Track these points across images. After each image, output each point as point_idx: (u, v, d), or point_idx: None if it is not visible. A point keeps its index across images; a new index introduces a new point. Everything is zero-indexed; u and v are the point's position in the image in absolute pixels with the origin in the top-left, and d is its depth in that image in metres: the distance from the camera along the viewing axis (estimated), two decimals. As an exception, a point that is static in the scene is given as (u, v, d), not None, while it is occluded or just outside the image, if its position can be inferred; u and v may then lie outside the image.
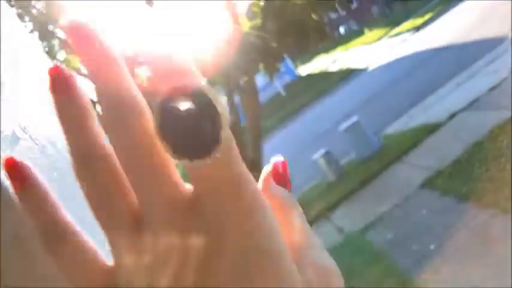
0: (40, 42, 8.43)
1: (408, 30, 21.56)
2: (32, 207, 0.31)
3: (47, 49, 8.46)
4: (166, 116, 0.25)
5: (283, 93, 27.59)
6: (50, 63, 0.30)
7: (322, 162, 8.42)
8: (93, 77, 0.28)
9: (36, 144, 0.48)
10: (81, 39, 0.28)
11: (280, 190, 0.33)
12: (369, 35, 28.32)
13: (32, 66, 0.65)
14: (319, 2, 9.22)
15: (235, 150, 0.26)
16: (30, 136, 0.47)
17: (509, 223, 4.41)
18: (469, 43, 12.07)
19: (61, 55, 9.28)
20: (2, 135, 0.44)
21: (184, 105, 0.24)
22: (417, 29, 20.61)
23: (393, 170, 7.53)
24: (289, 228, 0.32)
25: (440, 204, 5.59)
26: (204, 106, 0.24)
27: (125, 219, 0.28)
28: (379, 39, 25.28)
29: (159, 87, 0.25)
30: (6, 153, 0.31)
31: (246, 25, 8.81)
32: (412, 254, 4.99)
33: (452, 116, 7.83)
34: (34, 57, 0.68)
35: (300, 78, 29.69)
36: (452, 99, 8.68)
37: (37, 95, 0.60)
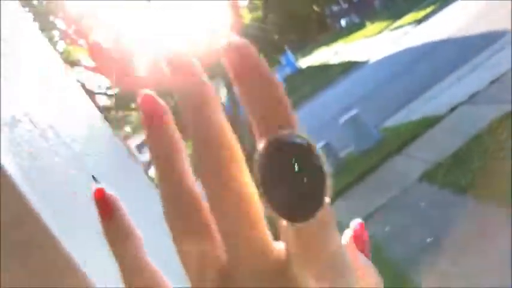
0: (40, 32, 8.41)
1: (410, 23, 21.50)
2: (114, 239, 0.31)
3: (47, 40, 8.46)
4: (268, 170, 0.23)
5: (283, 85, 27.50)
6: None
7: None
8: (184, 103, 0.26)
9: (36, 127, 0.48)
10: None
11: (362, 259, 0.33)
12: (370, 27, 28.24)
13: (35, 54, 0.66)
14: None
15: (334, 218, 0.25)
16: (30, 119, 0.48)
17: (508, 216, 4.42)
18: (470, 37, 12.04)
19: (60, 46, 9.27)
20: (1, 118, 0.44)
21: (289, 160, 0.23)
22: (419, 22, 20.55)
23: (392, 162, 7.53)
24: None
25: (439, 197, 5.60)
26: (311, 165, 0.23)
27: (210, 272, 0.27)
28: (380, 32, 25.21)
29: (262, 129, 0.24)
30: (97, 185, 0.31)
31: (247, 17, 8.80)
32: (410, 247, 5.01)
33: (452, 109, 7.82)
34: (37, 45, 0.69)
35: (301, 70, 29.63)
36: (453, 92, 8.67)
37: (40, 82, 0.60)
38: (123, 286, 0.31)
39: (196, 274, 0.27)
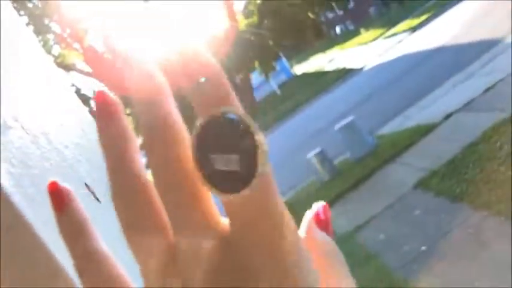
0: (35, 36, 8.39)
1: (404, 31, 21.62)
2: (68, 231, 0.32)
3: (42, 43, 8.42)
4: (204, 146, 0.24)
5: (278, 92, 27.62)
6: (95, 87, 0.30)
7: (315, 161, 8.42)
8: (136, 98, 0.29)
9: (28, 134, 0.47)
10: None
11: (322, 236, 0.33)
12: (365, 35, 28.38)
13: (27, 58, 0.65)
14: (316, 1, 9.23)
15: (273, 186, 0.25)
16: (21, 126, 0.46)
17: (502, 225, 4.42)
18: (465, 44, 12.11)
19: (56, 50, 9.25)
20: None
21: (223, 135, 0.24)
22: (413, 29, 20.67)
23: (387, 170, 7.54)
24: (328, 274, 0.32)
25: (434, 205, 5.60)
26: (243, 137, 0.24)
27: (158, 247, 0.28)
28: (375, 39, 25.33)
29: (198, 108, 0.26)
30: (52, 179, 0.31)
31: (242, 23, 8.81)
32: (404, 255, 5.00)
33: (447, 116, 7.85)
34: (29, 49, 0.68)
35: (296, 77, 29.72)
36: (448, 100, 8.70)
37: (31, 86, 0.59)
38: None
39: (145, 261, 0.28)
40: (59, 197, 0.32)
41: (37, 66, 0.66)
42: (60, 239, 0.44)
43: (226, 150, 0.24)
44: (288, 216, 0.26)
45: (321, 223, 0.33)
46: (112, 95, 0.30)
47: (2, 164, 0.42)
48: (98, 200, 0.55)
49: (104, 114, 0.30)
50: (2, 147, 0.42)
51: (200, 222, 0.26)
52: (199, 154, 0.24)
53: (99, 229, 0.55)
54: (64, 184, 0.32)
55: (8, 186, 0.41)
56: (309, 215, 0.34)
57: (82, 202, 0.54)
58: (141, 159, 0.29)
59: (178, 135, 0.27)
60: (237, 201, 0.25)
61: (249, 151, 0.24)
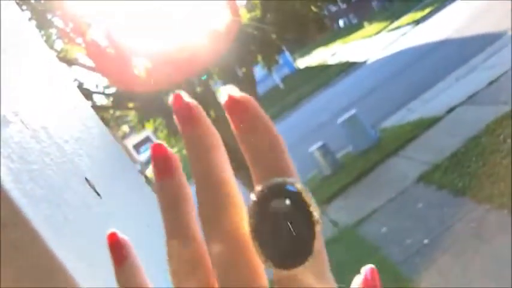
0: (37, 31, 8.38)
1: (408, 24, 21.52)
2: (126, 282, 0.33)
3: (44, 38, 8.41)
4: (262, 215, 0.24)
5: (281, 85, 27.57)
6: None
7: (318, 155, 8.42)
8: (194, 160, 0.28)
9: (27, 128, 0.47)
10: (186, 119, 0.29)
11: None
12: (369, 28, 28.26)
13: (27, 52, 0.64)
14: (318, -6, 9.19)
15: (326, 264, 0.26)
16: (21, 120, 0.46)
17: (504, 218, 4.42)
18: (468, 37, 12.05)
19: (58, 44, 9.24)
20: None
21: (282, 207, 0.24)
22: (416, 23, 20.57)
23: (390, 163, 7.53)
24: None
25: (436, 199, 5.60)
26: (302, 212, 0.24)
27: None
28: (378, 32, 25.23)
29: (258, 176, 0.26)
30: (112, 230, 0.33)
31: (245, 16, 8.79)
32: (406, 248, 5.00)
33: (450, 110, 7.83)
34: (30, 43, 0.68)
35: (298, 70, 29.64)
36: (451, 93, 8.68)
37: (31, 81, 0.59)
38: None
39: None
40: (118, 251, 0.33)
41: (37, 60, 0.66)
42: (60, 237, 0.44)
43: (284, 224, 0.23)
44: None
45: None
46: (170, 150, 0.30)
47: (1, 159, 0.41)
48: (98, 195, 0.55)
49: (162, 170, 0.29)
50: (1, 143, 0.42)
51: (247, 273, 0.26)
52: (256, 226, 0.24)
53: (100, 223, 0.55)
54: (122, 236, 0.33)
55: (7, 181, 0.40)
56: (357, 280, 0.33)
57: (83, 198, 0.54)
58: (196, 223, 0.29)
59: (235, 199, 0.27)
60: (288, 276, 0.25)
61: (307, 229, 0.24)
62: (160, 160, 0.29)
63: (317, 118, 14.15)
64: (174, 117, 0.29)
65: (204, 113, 0.29)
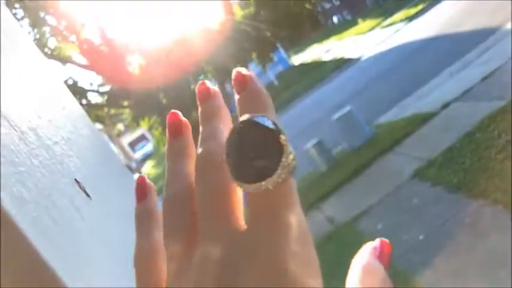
0: (31, 29, 8.34)
1: (401, 21, 21.55)
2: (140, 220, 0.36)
3: (37, 36, 8.37)
4: (234, 144, 0.28)
5: (275, 82, 27.57)
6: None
7: (313, 151, 8.42)
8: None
9: (16, 130, 0.46)
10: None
11: (376, 264, 0.35)
12: (362, 25, 28.29)
13: (15, 51, 0.63)
14: (312, -9, 9.19)
15: (294, 194, 0.29)
16: (9, 123, 0.46)
17: (499, 213, 4.44)
18: (462, 33, 12.08)
19: (52, 42, 9.21)
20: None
21: (253, 135, 0.27)
22: (410, 19, 20.60)
23: (385, 159, 7.54)
24: None
25: (431, 195, 5.61)
26: (271, 137, 0.27)
27: (183, 234, 0.31)
28: (372, 29, 25.26)
29: (239, 113, 0.32)
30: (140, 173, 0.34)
31: (239, 14, 8.78)
32: (402, 244, 5.02)
33: (444, 106, 7.84)
34: (18, 42, 0.67)
35: (293, 67, 29.64)
36: (445, 89, 8.69)
37: (19, 81, 0.58)
38: None
39: (168, 264, 0.31)
40: (141, 188, 0.37)
41: (25, 60, 0.65)
42: (47, 239, 0.43)
43: (255, 148, 0.27)
44: (303, 226, 0.29)
45: (380, 256, 0.36)
46: (183, 117, 0.38)
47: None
48: (88, 196, 0.55)
49: (174, 132, 0.37)
50: (-13, 145, 0.42)
51: (221, 230, 0.29)
52: (228, 151, 0.28)
53: (89, 225, 0.55)
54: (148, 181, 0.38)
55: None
56: (369, 245, 0.37)
57: (72, 199, 0.53)
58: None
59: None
60: (258, 193, 0.27)
61: (273, 147, 0.27)
62: (174, 124, 0.36)
63: (312, 115, 14.15)
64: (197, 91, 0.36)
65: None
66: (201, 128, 0.34)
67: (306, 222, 0.29)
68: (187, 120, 0.36)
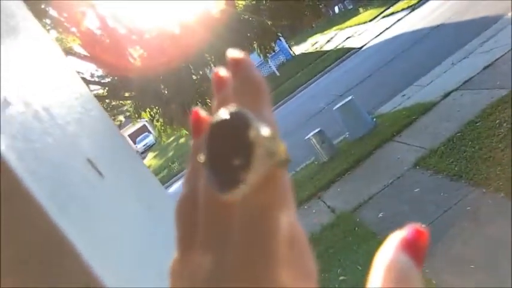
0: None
1: (403, 10, 21.44)
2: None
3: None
4: (213, 145, 0.26)
5: (277, 72, 27.50)
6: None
7: (315, 141, 8.43)
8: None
9: (29, 109, 0.48)
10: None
11: (403, 259, 0.29)
12: (364, 14, 28.15)
13: (28, 37, 0.65)
14: (314, -20, 9.15)
15: (279, 183, 0.27)
16: (23, 101, 0.47)
17: (500, 201, 4.45)
18: (464, 22, 12.03)
19: (53, 34, 9.19)
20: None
21: (229, 135, 0.25)
22: (412, 8, 20.50)
23: (386, 149, 7.55)
24: None
25: (433, 183, 5.63)
26: (244, 137, 0.25)
27: (182, 240, 0.31)
28: (374, 18, 25.14)
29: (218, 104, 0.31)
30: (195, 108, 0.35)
31: (240, 3, 8.75)
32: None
33: (446, 95, 7.84)
34: (30, 28, 0.68)
35: (295, 57, 29.56)
36: (447, 78, 8.68)
37: (32, 64, 0.59)
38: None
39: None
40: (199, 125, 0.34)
41: (37, 45, 0.66)
42: (64, 211, 0.45)
43: (224, 151, 0.25)
44: (295, 226, 0.27)
45: (412, 249, 0.30)
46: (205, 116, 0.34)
47: (4, 138, 0.42)
48: (101, 174, 0.56)
49: (198, 128, 0.33)
50: (4, 122, 0.43)
51: (214, 239, 0.28)
52: (205, 158, 0.26)
53: (103, 202, 0.56)
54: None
55: (11, 159, 0.41)
56: (396, 236, 0.30)
57: (85, 177, 0.55)
58: None
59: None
60: (242, 198, 0.26)
61: (243, 146, 0.24)
62: (196, 123, 0.33)
63: (314, 105, 14.14)
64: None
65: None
66: None
67: (297, 220, 0.27)
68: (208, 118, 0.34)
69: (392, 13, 22.63)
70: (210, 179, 0.25)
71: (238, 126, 0.25)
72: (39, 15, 8.39)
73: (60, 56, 0.72)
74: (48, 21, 8.77)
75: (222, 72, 0.34)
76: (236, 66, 0.33)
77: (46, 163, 0.46)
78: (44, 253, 0.42)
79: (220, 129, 0.25)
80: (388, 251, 0.30)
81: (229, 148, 0.24)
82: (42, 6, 8.29)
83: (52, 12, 8.62)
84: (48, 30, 8.92)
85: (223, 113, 0.26)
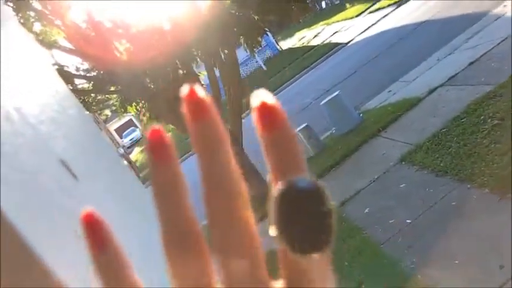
0: (15, 13, 8.21)
1: (389, 6, 21.51)
2: (107, 272, 0.29)
3: (22, 21, 8.24)
4: (286, 205, 0.26)
5: (264, 67, 27.49)
6: (150, 128, 0.28)
7: (301, 136, 8.43)
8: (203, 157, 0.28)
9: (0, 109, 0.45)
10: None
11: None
12: (351, 9, 28.22)
13: (1, 33, 0.62)
14: (301, -25, 9.12)
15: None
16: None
17: (485, 196, 4.48)
18: (449, 18, 12.09)
19: (37, 27, 9.06)
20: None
21: (301, 201, 0.26)
22: (398, 4, 20.57)
23: (372, 144, 7.58)
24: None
25: (419, 179, 5.65)
26: (319, 204, 0.26)
27: None
28: (360, 14, 25.21)
29: (278, 175, 0.27)
30: (86, 209, 0.28)
31: (227, -3, 8.70)
32: (389, 228, 5.06)
33: (431, 91, 7.87)
34: (4, 24, 0.65)
35: (281, 52, 29.55)
36: (432, 74, 8.72)
37: (3, 61, 0.57)
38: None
39: None
40: (97, 235, 0.29)
41: (10, 40, 0.64)
42: (31, 221, 0.42)
43: (307, 216, 0.26)
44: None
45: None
46: (166, 134, 0.28)
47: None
48: (75, 177, 0.54)
49: (158, 157, 0.28)
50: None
51: (256, 279, 0.28)
52: (281, 218, 0.26)
53: (76, 207, 0.54)
54: (99, 216, 0.29)
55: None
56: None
57: (57, 179, 0.52)
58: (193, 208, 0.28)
59: (245, 199, 0.28)
60: (308, 261, 0.26)
61: (326, 217, 0.26)
62: (157, 145, 0.28)
63: (300, 100, 14.15)
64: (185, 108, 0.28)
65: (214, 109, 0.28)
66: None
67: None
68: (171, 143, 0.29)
69: (379, 9, 22.70)
70: (292, 241, 0.26)
71: (319, 195, 0.26)
72: (23, 8, 8.27)
73: (37, 52, 0.69)
74: (32, 13, 8.65)
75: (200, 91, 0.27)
76: (273, 120, 0.28)
77: (15, 167, 0.43)
78: (10, 269, 0.39)
79: (299, 195, 0.26)
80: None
81: (313, 214, 0.26)
82: (26, -1, 8.17)
83: (36, 4, 8.50)
84: (32, 23, 8.80)
85: (301, 180, 0.26)
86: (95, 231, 0.28)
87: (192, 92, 0.27)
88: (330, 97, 8.68)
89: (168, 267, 0.28)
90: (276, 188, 0.26)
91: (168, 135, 0.28)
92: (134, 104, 10.10)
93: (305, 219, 0.26)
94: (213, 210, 0.27)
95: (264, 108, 0.28)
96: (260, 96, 0.28)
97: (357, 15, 25.27)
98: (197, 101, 0.27)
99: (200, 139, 0.27)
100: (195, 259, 0.28)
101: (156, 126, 0.28)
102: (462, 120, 6.14)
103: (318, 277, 0.28)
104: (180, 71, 8.47)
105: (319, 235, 0.26)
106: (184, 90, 0.27)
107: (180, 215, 0.28)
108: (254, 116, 0.28)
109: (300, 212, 0.26)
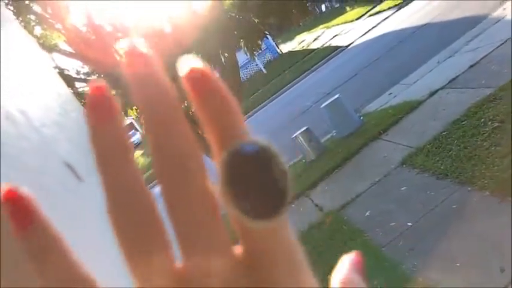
0: (15, 17, 8.23)
1: (389, 8, 21.54)
2: (34, 251, 0.25)
3: (23, 24, 8.26)
4: (234, 172, 0.24)
5: (264, 70, 27.51)
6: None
7: (302, 140, 8.44)
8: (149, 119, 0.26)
9: (3, 111, 0.45)
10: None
11: (356, 276, 0.34)
12: (351, 12, 28.24)
13: (5, 37, 0.62)
14: (301, -22, 9.15)
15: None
16: (-4, 104, 0.44)
17: (486, 199, 4.48)
18: (450, 21, 12.10)
19: (38, 30, 9.08)
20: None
21: (253, 163, 0.25)
22: (398, 7, 20.59)
23: (373, 147, 7.57)
24: None
25: (419, 182, 5.65)
26: (270, 165, 0.25)
27: (162, 269, 0.26)
28: (360, 17, 25.23)
29: (221, 143, 0.26)
30: (6, 184, 0.24)
31: (227, 1, 8.72)
32: (390, 231, 5.05)
33: (432, 93, 7.88)
34: (8, 28, 0.65)
35: (281, 55, 29.58)
36: (433, 77, 8.73)
37: (8, 65, 0.57)
38: None
39: (147, 283, 0.26)
40: (21, 211, 0.24)
41: (14, 45, 0.64)
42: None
43: (257, 177, 0.24)
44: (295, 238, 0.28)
45: (358, 267, 0.35)
46: (110, 94, 0.26)
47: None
48: (79, 178, 0.54)
49: (99, 115, 0.25)
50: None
51: (216, 243, 0.26)
52: (228, 181, 0.24)
53: (81, 208, 0.54)
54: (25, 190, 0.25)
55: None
56: (346, 260, 0.36)
57: (61, 182, 0.52)
58: (140, 173, 0.26)
59: (200, 164, 0.26)
60: (265, 226, 0.25)
61: (280, 179, 0.25)
62: (98, 102, 0.25)
63: (301, 103, 14.16)
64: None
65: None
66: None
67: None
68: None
69: (379, 12, 22.73)
70: (245, 208, 0.24)
71: (267, 157, 0.25)
72: (24, 11, 8.29)
73: (39, 55, 0.70)
74: (32, 17, 8.67)
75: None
76: (203, 80, 0.26)
77: (19, 168, 0.43)
78: (11, 266, 0.39)
79: (246, 161, 0.25)
80: (344, 271, 0.35)
81: (263, 179, 0.24)
82: (26, 2, 8.19)
83: (36, 8, 8.52)
84: (32, 27, 8.82)
85: (246, 145, 0.25)
86: (19, 209, 0.24)
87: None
88: (330, 100, 8.68)
89: (117, 246, 0.25)
90: (220, 161, 0.25)
91: (113, 94, 0.26)
92: (135, 107, 10.11)
93: (254, 185, 0.24)
94: (167, 182, 0.25)
95: (195, 73, 0.26)
96: (188, 63, 0.26)
97: (357, 18, 25.29)
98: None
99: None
100: (147, 231, 0.25)
101: (100, 83, 0.26)
102: (463, 123, 6.14)
103: (281, 258, 0.26)
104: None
105: (271, 199, 0.25)
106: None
107: (126, 181, 0.25)
108: (185, 86, 0.26)
109: (248, 181, 0.24)
